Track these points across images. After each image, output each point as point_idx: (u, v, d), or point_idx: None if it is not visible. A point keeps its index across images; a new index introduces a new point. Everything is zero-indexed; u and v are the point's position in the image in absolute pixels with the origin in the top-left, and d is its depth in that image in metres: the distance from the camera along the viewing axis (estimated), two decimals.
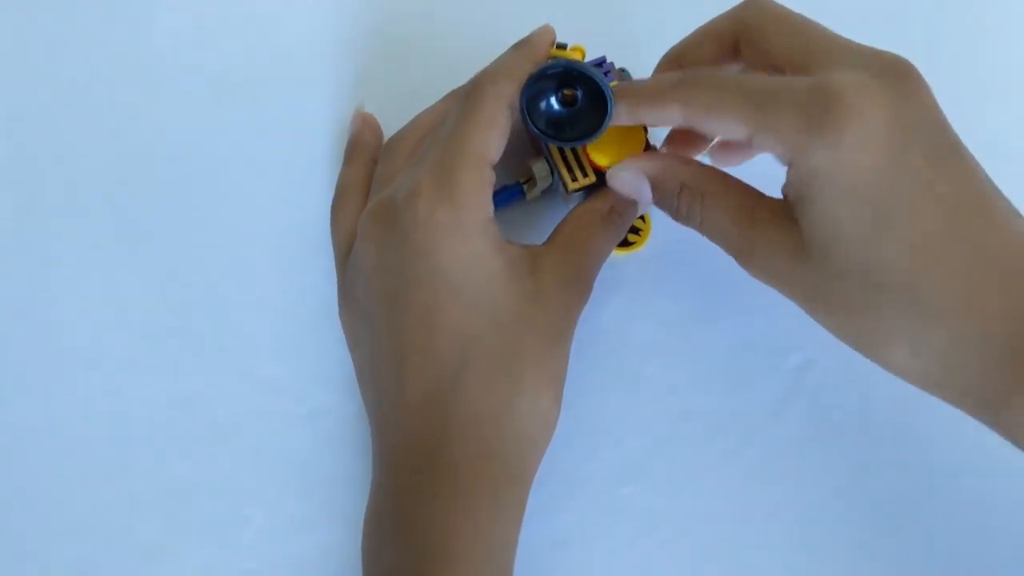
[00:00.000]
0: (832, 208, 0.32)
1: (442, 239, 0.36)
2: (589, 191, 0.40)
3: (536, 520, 0.39)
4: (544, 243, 0.39)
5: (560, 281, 0.38)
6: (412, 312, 0.36)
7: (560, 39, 0.41)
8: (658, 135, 0.42)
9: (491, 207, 0.37)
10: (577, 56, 0.40)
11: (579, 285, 0.38)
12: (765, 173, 0.36)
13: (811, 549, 0.40)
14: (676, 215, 0.37)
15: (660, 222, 0.42)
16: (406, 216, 0.36)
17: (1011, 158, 0.37)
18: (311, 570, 0.40)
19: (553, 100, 0.38)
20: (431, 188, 0.36)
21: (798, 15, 0.36)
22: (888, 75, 0.33)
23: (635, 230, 0.42)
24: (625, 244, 0.42)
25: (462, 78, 0.40)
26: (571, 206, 0.40)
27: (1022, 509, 0.39)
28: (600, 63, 0.41)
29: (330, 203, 0.42)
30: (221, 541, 0.40)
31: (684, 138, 0.40)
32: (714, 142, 0.41)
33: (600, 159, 0.39)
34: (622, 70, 0.41)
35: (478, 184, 0.36)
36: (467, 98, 0.37)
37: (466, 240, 0.36)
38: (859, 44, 0.35)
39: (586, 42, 0.42)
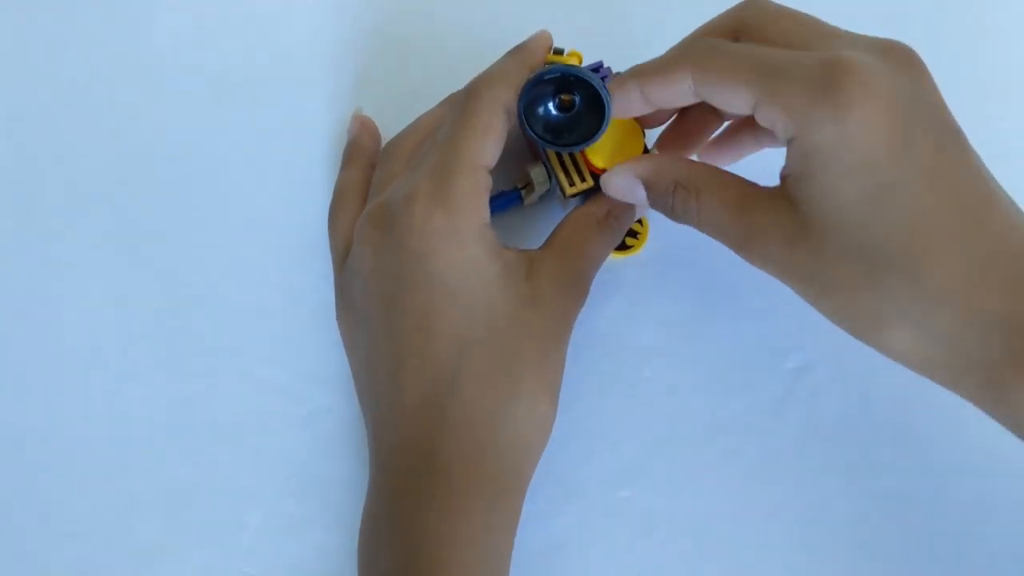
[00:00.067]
0: (835, 184, 0.32)
1: (438, 244, 0.36)
2: (587, 195, 0.40)
3: (533, 523, 0.39)
4: (541, 247, 0.39)
5: (557, 285, 0.38)
6: (409, 315, 0.36)
7: (560, 42, 0.41)
8: (652, 138, 0.42)
9: (487, 212, 0.37)
10: (574, 61, 0.40)
11: (576, 289, 0.38)
12: (761, 172, 0.36)
13: (810, 550, 0.40)
14: (672, 214, 0.37)
15: (658, 225, 0.42)
16: (402, 221, 0.36)
17: (1010, 158, 0.37)
18: (309, 572, 0.40)
19: (551, 105, 0.38)
20: (427, 193, 0.36)
21: (798, 12, 0.36)
22: (894, 59, 0.33)
23: (633, 233, 0.42)
24: (623, 247, 0.42)
25: (461, 80, 0.40)
26: (568, 210, 0.40)
27: (1021, 509, 0.39)
28: (597, 68, 0.41)
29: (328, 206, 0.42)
30: (220, 542, 0.40)
31: (677, 137, 0.40)
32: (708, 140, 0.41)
33: (598, 163, 0.39)
34: (619, 74, 0.41)
35: (474, 190, 0.36)
36: (464, 104, 0.37)
37: (462, 245, 0.36)
38: (862, 34, 0.35)
39: (585, 45, 0.42)
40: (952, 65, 0.43)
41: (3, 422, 0.42)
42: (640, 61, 0.37)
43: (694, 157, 0.41)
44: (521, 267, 0.37)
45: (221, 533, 0.40)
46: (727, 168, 0.37)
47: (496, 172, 0.38)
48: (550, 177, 0.40)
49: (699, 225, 0.37)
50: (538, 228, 0.43)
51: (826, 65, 0.32)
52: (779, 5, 0.36)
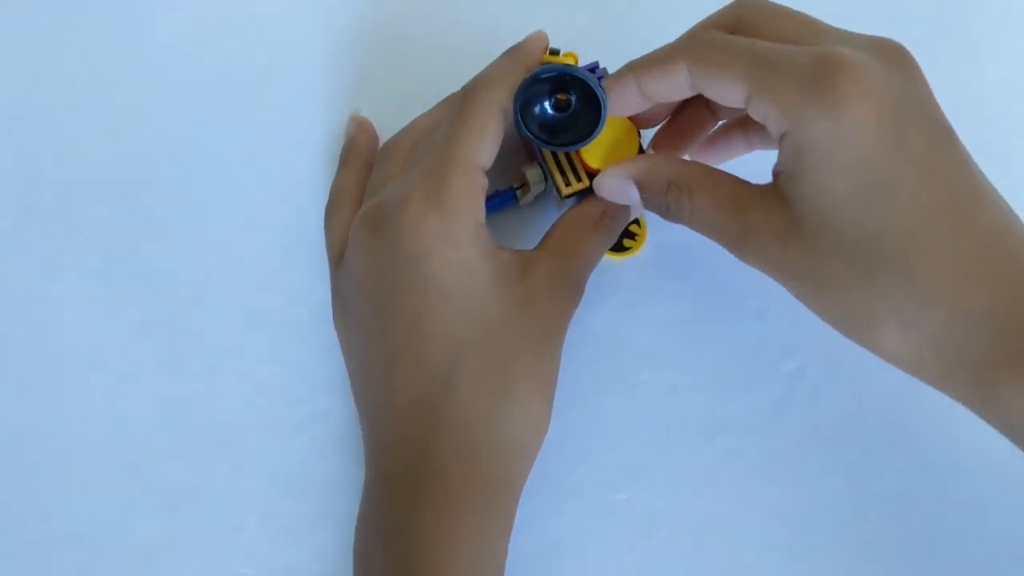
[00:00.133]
0: (828, 181, 0.32)
1: (432, 245, 0.36)
2: (582, 195, 0.40)
3: (531, 525, 0.39)
4: (535, 248, 0.39)
5: (551, 285, 0.37)
6: (403, 316, 0.36)
7: (557, 42, 0.41)
8: (647, 138, 0.42)
9: (482, 213, 0.37)
10: (570, 62, 0.40)
11: (570, 289, 0.38)
12: (755, 170, 0.36)
13: (808, 552, 0.40)
14: (666, 213, 0.37)
15: (656, 227, 0.42)
16: (397, 222, 0.36)
17: (1010, 158, 0.37)
18: (307, 573, 0.40)
19: (547, 105, 0.38)
20: (422, 194, 0.36)
21: (794, 10, 0.36)
22: (887, 56, 0.33)
23: (631, 235, 0.42)
24: (621, 249, 0.42)
25: (460, 80, 0.39)
26: (564, 210, 0.40)
27: (1018, 509, 0.39)
28: (593, 68, 0.41)
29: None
30: (217, 545, 0.40)
31: (671, 136, 0.40)
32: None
33: (593, 163, 0.39)
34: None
35: (469, 190, 0.36)
36: (460, 104, 0.37)
37: (456, 246, 0.36)
38: (856, 32, 0.35)
39: (581, 45, 0.42)
40: (951, 65, 0.43)
41: (1, 422, 0.42)
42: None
43: (686, 157, 0.41)
44: (516, 267, 0.37)
45: (219, 535, 0.40)
46: (718, 167, 0.37)
47: (492, 172, 0.38)
48: (546, 177, 0.40)
49: (692, 224, 0.37)
50: (534, 228, 0.43)
51: (820, 61, 0.32)
52: (775, 3, 0.36)
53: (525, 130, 0.37)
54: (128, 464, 0.41)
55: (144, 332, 0.43)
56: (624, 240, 0.42)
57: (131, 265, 0.44)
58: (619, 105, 0.37)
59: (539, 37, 0.40)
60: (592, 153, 0.39)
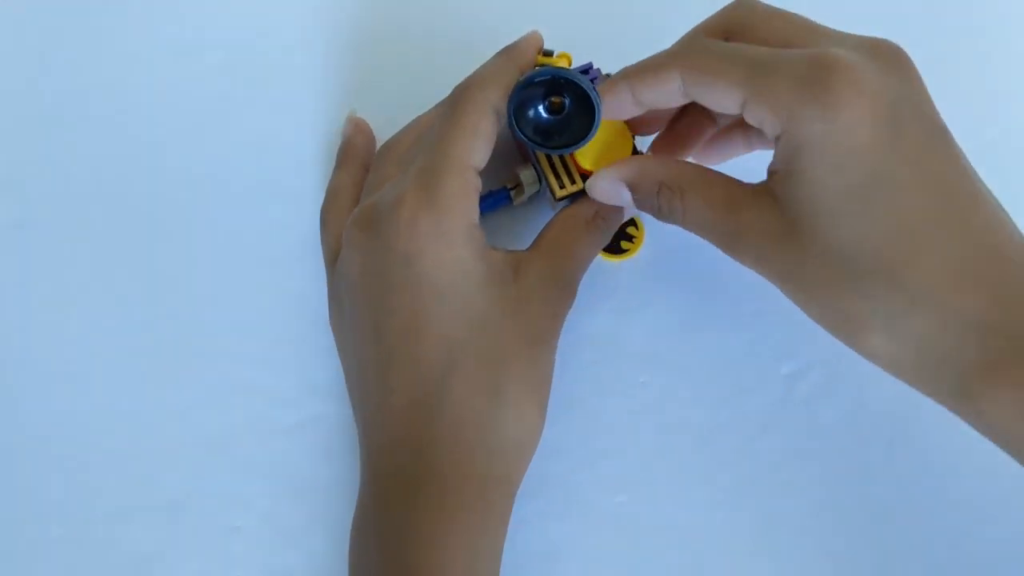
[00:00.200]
0: (821, 182, 0.32)
1: (425, 245, 0.36)
2: (576, 196, 0.39)
3: (529, 529, 0.39)
4: (528, 248, 0.39)
5: (544, 286, 0.37)
6: (397, 316, 0.36)
7: (553, 44, 0.41)
8: (644, 142, 0.42)
9: (476, 213, 0.37)
10: (564, 63, 0.40)
11: (563, 290, 0.38)
12: (751, 170, 0.36)
13: (806, 555, 0.39)
14: (659, 214, 0.37)
15: (653, 229, 0.42)
16: (390, 223, 0.36)
17: (1009, 159, 0.37)
18: None
19: (541, 108, 0.38)
20: (415, 195, 0.36)
21: (788, 12, 0.36)
22: (882, 57, 0.33)
23: (628, 237, 0.42)
24: (618, 251, 0.42)
25: (459, 81, 0.39)
26: (558, 211, 0.40)
27: (1017, 513, 0.39)
28: (587, 69, 0.41)
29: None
30: (212, 551, 0.40)
31: (670, 142, 0.40)
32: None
33: (586, 165, 0.39)
34: (608, 76, 0.41)
35: (462, 190, 0.36)
36: (452, 105, 0.38)
37: (449, 246, 0.36)
38: (851, 33, 0.35)
39: (577, 46, 0.42)
40: (950, 66, 0.43)
41: None
42: (631, 62, 0.37)
43: (689, 158, 0.41)
44: (509, 268, 0.37)
45: (214, 540, 0.40)
46: (716, 166, 0.37)
47: (486, 172, 0.38)
48: (540, 179, 0.40)
49: (685, 225, 0.37)
50: (528, 228, 0.43)
51: (814, 62, 0.32)
52: (769, 5, 0.36)
53: (519, 133, 0.37)
54: (124, 467, 0.41)
55: (137, 338, 0.43)
56: (621, 242, 0.42)
57: (126, 268, 0.44)
58: (613, 112, 0.37)
59: (533, 38, 0.40)
60: (585, 155, 0.39)
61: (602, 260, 0.42)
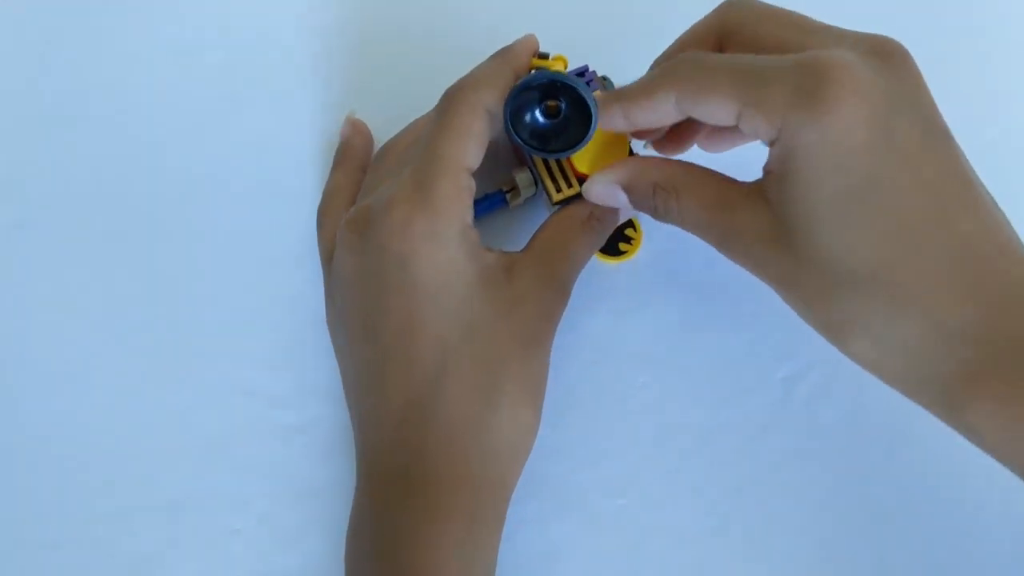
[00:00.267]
0: (813, 186, 0.32)
1: (419, 247, 0.35)
2: (573, 200, 0.39)
3: (528, 531, 0.39)
4: (522, 249, 0.39)
5: (538, 287, 0.37)
6: (391, 317, 0.36)
7: (554, 44, 0.40)
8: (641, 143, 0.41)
9: (470, 214, 0.37)
10: (559, 66, 0.39)
11: (557, 291, 0.38)
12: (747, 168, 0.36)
13: (806, 556, 0.39)
14: (655, 215, 0.37)
15: (651, 231, 0.42)
16: (383, 225, 0.36)
17: (1010, 159, 0.37)
18: None
19: (537, 112, 0.37)
20: (407, 196, 0.36)
21: (782, 10, 0.35)
22: (878, 55, 0.33)
23: (627, 239, 0.42)
24: (617, 253, 0.42)
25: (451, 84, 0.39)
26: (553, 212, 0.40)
27: (1015, 516, 0.39)
28: (582, 72, 0.41)
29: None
30: (210, 553, 0.40)
31: (669, 137, 0.40)
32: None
33: (582, 168, 0.38)
34: (604, 78, 0.41)
35: (455, 192, 0.36)
36: (444, 106, 0.37)
37: (443, 247, 0.36)
38: (849, 30, 0.34)
39: (580, 46, 0.42)
40: (952, 66, 0.43)
41: None
42: (629, 64, 0.36)
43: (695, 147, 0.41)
44: (502, 269, 0.37)
45: (211, 544, 0.40)
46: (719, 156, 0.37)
47: (482, 175, 0.37)
48: (536, 183, 0.40)
49: (681, 225, 0.37)
50: (524, 229, 0.42)
51: (806, 68, 0.32)
52: (763, 4, 0.36)
53: (516, 137, 0.37)
54: (123, 469, 0.41)
55: (136, 340, 0.43)
56: (620, 244, 0.42)
57: (126, 268, 0.44)
58: (608, 129, 0.37)
59: (528, 41, 0.39)
60: (581, 158, 0.38)
61: (601, 262, 0.42)
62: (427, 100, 0.42)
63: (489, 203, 0.42)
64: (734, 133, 0.39)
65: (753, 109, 0.32)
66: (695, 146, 0.41)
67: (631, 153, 0.39)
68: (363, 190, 0.41)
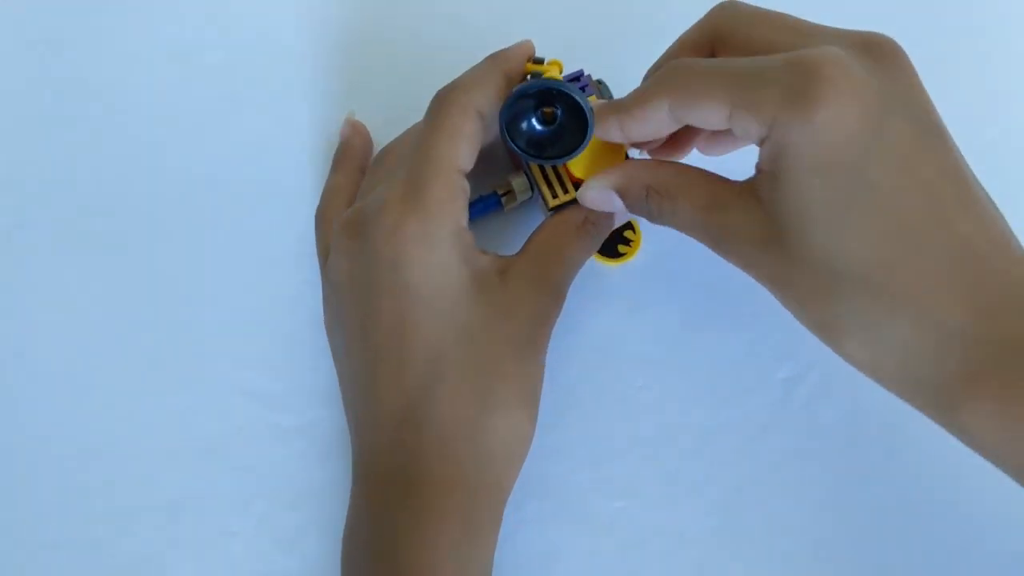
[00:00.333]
0: (803, 185, 0.32)
1: (412, 250, 0.35)
2: (569, 205, 0.39)
3: (527, 534, 0.39)
4: (517, 253, 0.38)
5: (532, 291, 0.37)
6: (383, 321, 0.36)
7: (553, 43, 0.40)
8: None
9: (464, 216, 0.37)
10: (555, 70, 0.39)
11: (551, 295, 0.38)
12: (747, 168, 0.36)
13: (804, 558, 0.39)
14: (650, 218, 0.37)
15: (650, 233, 0.41)
16: (376, 228, 0.36)
17: (1010, 159, 0.37)
18: None
19: (533, 119, 0.37)
20: (400, 199, 0.36)
21: (774, 12, 0.35)
22: (870, 52, 0.33)
23: (626, 241, 0.42)
24: (616, 255, 0.42)
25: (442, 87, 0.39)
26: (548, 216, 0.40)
27: (1015, 519, 0.39)
28: (577, 77, 0.40)
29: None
30: (209, 555, 0.40)
31: (669, 146, 0.40)
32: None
33: (578, 173, 0.38)
34: (599, 82, 0.41)
35: (448, 193, 0.36)
36: (436, 108, 0.37)
37: (435, 250, 0.36)
38: (843, 29, 0.34)
39: (577, 47, 0.42)
40: (952, 66, 0.43)
41: None
42: (625, 66, 0.36)
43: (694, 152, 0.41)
44: (496, 272, 0.37)
45: (210, 546, 0.40)
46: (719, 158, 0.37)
47: (478, 178, 0.37)
48: (532, 187, 0.40)
49: (676, 226, 0.36)
50: (520, 232, 0.42)
51: (792, 64, 0.31)
52: (754, 7, 0.36)
53: (512, 145, 0.37)
54: (121, 473, 0.41)
55: (134, 342, 0.43)
56: (619, 246, 0.42)
57: (125, 269, 0.44)
58: (609, 138, 0.37)
59: (524, 46, 0.39)
60: (577, 163, 0.38)
61: (600, 264, 0.42)
62: (427, 101, 0.42)
63: (484, 205, 0.41)
64: (732, 136, 0.39)
65: (744, 111, 0.32)
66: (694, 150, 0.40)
67: (627, 157, 0.39)
68: (360, 192, 0.41)
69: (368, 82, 0.47)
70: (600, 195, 0.37)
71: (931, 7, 0.47)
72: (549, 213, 0.39)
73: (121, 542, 0.40)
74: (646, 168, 0.37)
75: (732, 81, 0.32)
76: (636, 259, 0.42)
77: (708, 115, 0.33)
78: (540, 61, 0.39)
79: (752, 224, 0.33)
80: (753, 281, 0.35)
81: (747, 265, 0.35)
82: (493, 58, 0.39)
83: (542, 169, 0.39)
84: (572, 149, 0.37)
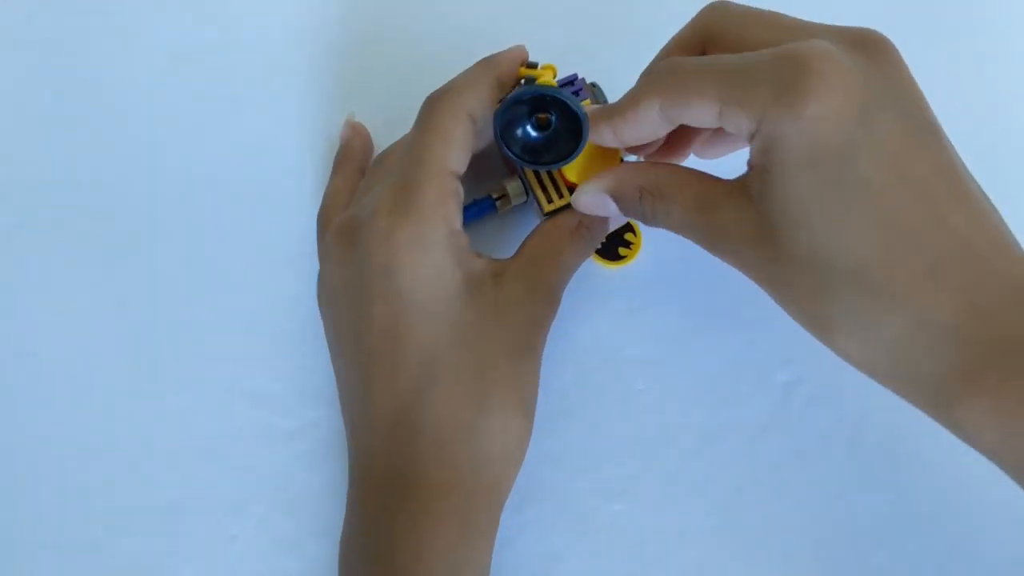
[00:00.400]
0: (792, 179, 0.32)
1: (404, 255, 0.35)
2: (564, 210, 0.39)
3: (526, 537, 0.39)
4: (512, 256, 0.38)
5: (526, 294, 0.37)
6: (376, 326, 0.36)
7: (551, 43, 0.40)
8: None
9: (457, 219, 0.37)
10: (548, 75, 0.39)
11: (546, 299, 0.38)
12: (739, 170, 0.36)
13: (804, 559, 0.39)
14: (646, 220, 0.37)
15: (650, 236, 0.41)
16: (369, 232, 0.36)
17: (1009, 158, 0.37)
18: None
19: (528, 126, 0.37)
20: (392, 203, 0.36)
21: (764, 11, 0.35)
22: (860, 47, 0.32)
23: (626, 243, 0.42)
24: (616, 258, 0.41)
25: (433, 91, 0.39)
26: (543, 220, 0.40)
27: (1014, 525, 0.39)
28: (571, 80, 0.40)
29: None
30: (207, 558, 0.40)
31: (666, 149, 0.40)
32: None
33: (572, 178, 0.38)
34: (593, 85, 0.41)
35: (440, 196, 0.36)
36: (426, 112, 0.37)
37: (428, 253, 0.35)
38: (833, 25, 0.34)
39: (574, 48, 0.41)
40: (952, 66, 0.42)
41: None
42: (621, 68, 0.36)
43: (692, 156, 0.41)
44: (492, 275, 0.37)
45: (208, 549, 0.40)
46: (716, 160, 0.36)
47: (473, 183, 0.37)
48: (527, 192, 0.40)
49: (670, 227, 0.36)
50: (515, 236, 0.42)
51: (780, 58, 0.31)
52: (744, 6, 0.35)
53: (507, 151, 0.37)
54: (120, 474, 0.41)
55: (131, 344, 0.43)
56: (619, 249, 0.41)
57: (124, 270, 0.44)
58: (603, 143, 0.36)
59: (516, 51, 0.39)
60: (572, 168, 0.38)
61: (600, 267, 0.42)
62: None
63: (478, 209, 0.41)
64: (727, 137, 0.39)
65: (734, 106, 0.32)
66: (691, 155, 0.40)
67: (622, 162, 0.39)
68: (356, 197, 0.41)
69: (368, 83, 0.47)
70: (594, 199, 0.37)
71: (931, 7, 0.47)
72: (544, 217, 0.39)
73: (120, 542, 0.40)
74: (639, 170, 0.37)
75: (721, 78, 0.32)
76: (636, 262, 0.42)
77: (699, 113, 0.33)
78: (534, 66, 0.39)
79: (744, 222, 0.33)
80: (753, 284, 0.35)
81: (741, 264, 0.35)
82: (485, 62, 0.39)
83: (537, 174, 0.39)
84: (567, 155, 0.36)
